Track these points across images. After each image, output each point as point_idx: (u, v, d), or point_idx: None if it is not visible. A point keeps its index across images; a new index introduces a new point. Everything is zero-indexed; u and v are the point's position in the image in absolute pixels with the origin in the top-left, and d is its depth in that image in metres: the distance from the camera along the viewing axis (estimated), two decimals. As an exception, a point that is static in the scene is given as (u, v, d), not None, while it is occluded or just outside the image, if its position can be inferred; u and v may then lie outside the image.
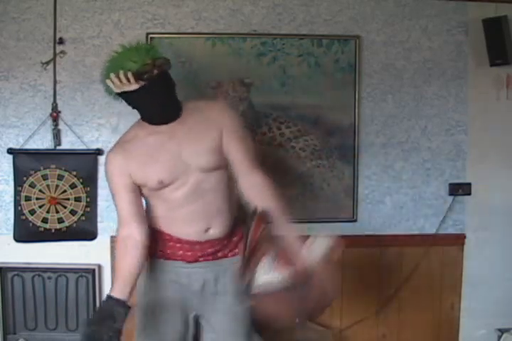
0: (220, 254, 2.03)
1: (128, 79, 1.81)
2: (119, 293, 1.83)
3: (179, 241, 1.99)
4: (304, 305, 1.85)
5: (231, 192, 2.03)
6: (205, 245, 1.99)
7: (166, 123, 1.94)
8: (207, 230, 1.97)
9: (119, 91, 1.86)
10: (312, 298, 1.85)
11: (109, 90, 1.92)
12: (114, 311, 1.80)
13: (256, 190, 1.97)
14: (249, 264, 1.85)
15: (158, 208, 2.00)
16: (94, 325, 1.79)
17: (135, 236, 1.91)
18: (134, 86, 1.83)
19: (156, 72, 1.83)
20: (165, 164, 1.91)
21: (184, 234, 1.98)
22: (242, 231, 2.04)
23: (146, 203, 2.04)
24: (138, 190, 1.96)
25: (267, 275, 1.83)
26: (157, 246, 2.01)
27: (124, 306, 1.82)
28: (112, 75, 1.83)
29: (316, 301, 1.87)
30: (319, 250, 1.92)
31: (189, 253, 2.00)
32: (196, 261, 2.01)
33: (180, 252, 2.00)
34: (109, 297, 1.83)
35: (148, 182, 1.93)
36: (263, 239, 1.86)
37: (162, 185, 1.91)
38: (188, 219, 1.96)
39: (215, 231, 1.99)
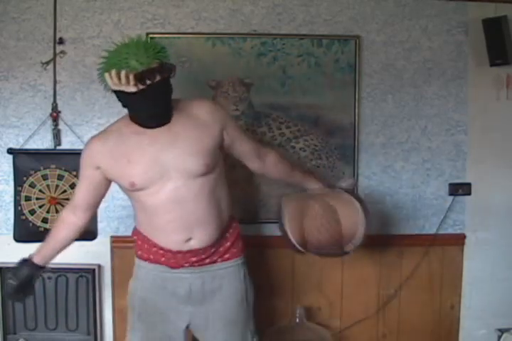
0: (207, 261, 1.98)
1: (128, 80, 1.73)
2: (42, 260, 2.02)
3: (161, 248, 1.95)
4: None
5: (219, 198, 1.95)
6: (187, 254, 1.94)
7: (154, 127, 1.86)
8: (187, 240, 1.91)
9: (115, 88, 1.79)
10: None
11: (105, 82, 1.84)
12: (34, 276, 2.03)
13: (272, 168, 2.15)
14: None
15: (138, 212, 1.98)
16: (20, 292, 2.02)
17: (77, 222, 2.03)
18: (132, 88, 1.75)
19: (158, 78, 1.76)
20: (140, 167, 1.85)
21: (163, 242, 1.93)
22: (237, 235, 2.05)
23: (134, 206, 2.03)
24: (101, 183, 1.96)
25: None
26: (144, 249, 2.01)
27: (40, 270, 2.04)
28: (113, 72, 1.74)
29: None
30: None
31: (172, 261, 1.96)
32: (181, 266, 1.96)
33: (163, 259, 1.96)
34: (31, 263, 2.02)
35: (120, 182, 1.91)
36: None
37: (134, 188, 1.86)
38: (167, 229, 1.90)
39: (197, 241, 1.92)
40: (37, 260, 2.01)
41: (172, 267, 1.97)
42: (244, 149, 2.05)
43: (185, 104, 1.94)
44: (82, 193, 1.99)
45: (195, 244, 1.92)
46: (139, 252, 2.03)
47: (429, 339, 2.89)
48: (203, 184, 1.89)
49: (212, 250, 1.98)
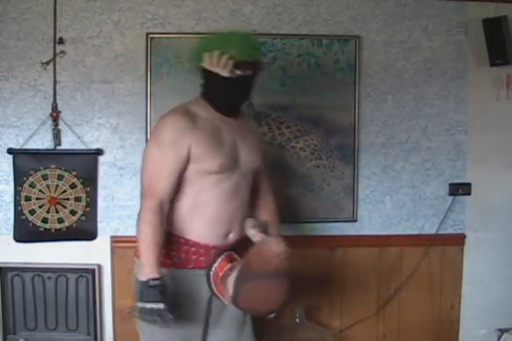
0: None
1: (226, 65, 1.83)
2: (157, 272, 1.79)
3: (196, 244, 1.90)
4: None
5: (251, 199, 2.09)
6: (220, 250, 1.93)
7: (229, 116, 1.97)
8: (227, 234, 1.94)
9: (210, 69, 1.87)
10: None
11: (197, 59, 1.91)
12: (167, 288, 1.80)
13: (266, 207, 2.17)
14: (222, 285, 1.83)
15: (188, 201, 1.89)
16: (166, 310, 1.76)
17: (165, 209, 1.83)
18: (226, 73, 1.85)
19: (250, 72, 1.89)
20: (227, 150, 1.91)
21: (204, 236, 1.90)
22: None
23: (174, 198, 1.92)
24: (185, 166, 1.85)
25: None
26: (168, 253, 1.91)
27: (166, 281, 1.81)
28: (217, 53, 1.84)
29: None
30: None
31: (203, 259, 1.91)
32: (199, 268, 1.92)
33: (194, 257, 1.91)
34: (155, 279, 1.77)
35: (207, 163, 1.85)
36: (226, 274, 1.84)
37: (220, 171, 1.87)
38: (216, 220, 1.91)
39: (234, 236, 1.96)
40: (157, 273, 1.81)
41: (200, 268, 1.91)
42: (260, 176, 2.15)
43: (244, 114, 2.16)
44: (169, 180, 1.83)
45: (231, 238, 1.96)
46: (161, 259, 1.88)
47: (429, 339, 2.89)
48: (251, 180, 2.03)
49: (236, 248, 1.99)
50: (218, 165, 1.86)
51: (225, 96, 1.92)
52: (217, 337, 1.98)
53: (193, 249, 1.91)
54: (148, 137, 2.63)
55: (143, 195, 1.88)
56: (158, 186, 1.82)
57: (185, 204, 1.90)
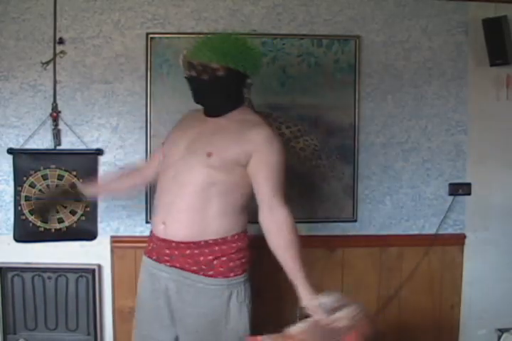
0: (177, 264, 1.90)
1: (182, 63, 1.93)
2: (92, 190, 2.31)
3: (152, 233, 2.01)
4: None
5: (216, 203, 1.89)
6: (163, 243, 1.92)
7: (207, 115, 2.00)
8: (162, 223, 1.91)
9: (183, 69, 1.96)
10: None
11: None
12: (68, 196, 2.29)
13: (275, 229, 1.85)
14: None
15: (157, 191, 2.05)
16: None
17: (144, 175, 2.24)
18: (186, 72, 1.94)
19: (193, 73, 1.90)
20: (181, 138, 1.99)
21: (152, 224, 2.03)
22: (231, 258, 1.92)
23: None
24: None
25: None
26: (148, 242, 2.05)
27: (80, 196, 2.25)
28: (183, 52, 1.94)
29: None
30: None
31: (156, 249, 1.97)
32: (160, 261, 1.94)
33: (151, 246, 2.01)
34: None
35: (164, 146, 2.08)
36: None
37: (163, 157, 2.04)
38: (157, 209, 1.99)
39: (169, 228, 1.89)
40: (87, 190, 2.27)
41: (155, 260, 1.96)
42: (262, 185, 1.89)
43: (246, 118, 1.96)
44: (158, 157, 2.15)
45: (168, 231, 1.90)
46: (145, 249, 2.08)
47: (429, 339, 2.89)
48: (204, 178, 1.87)
49: (187, 252, 1.89)
50: (163, 152, 2.04)
51: (193, 93, 2.00)
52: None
53: (153, 238, 2.01)
54: (149, 137, 2.64)
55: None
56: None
57: (157, 192, 2.05)
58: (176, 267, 1.91)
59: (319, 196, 2.77)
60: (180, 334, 1.95)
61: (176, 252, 1.90)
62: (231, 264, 1.91)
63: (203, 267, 1.89)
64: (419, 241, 2.84)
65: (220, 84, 1.91)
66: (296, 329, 1.75)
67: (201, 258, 1.89)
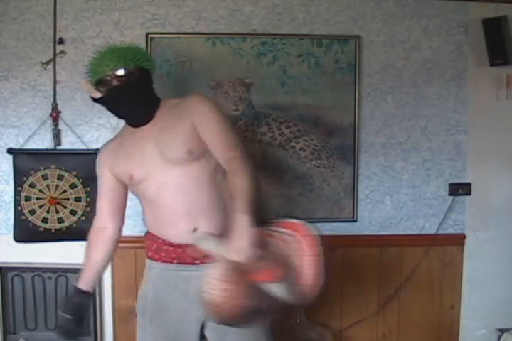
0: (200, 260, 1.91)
1: (89, 89, 1.88)
2: (86, 285, 1.97)
3: (171, 244, 1.93)
4: None
5: (221, 189, 1.91)
6: (196, 248, 1.88)
7: (138, 125, 1.94)
8: (194, 230, 1.89)
9: (91, 96, 1.91)
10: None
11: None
12: (85, 305, 1.98)
13: (230, 177, 1.81)
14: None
15: (145, 209, 2.00)
16: (72, 323, 1.91)
17: (108, 230, 2.02)
18: (96, 94, 1.88)
19: (115, 83, 1.85)
20: (136, 159, 1.90)
21: (173, 236, 1.92)
22: None
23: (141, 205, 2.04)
24: (120, 186, 2.00)
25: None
26: (155, 249, 1.98)
27: (89, 297, 2.00)
28: (83, 80, 1.91)
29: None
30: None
31: (183, 256, 1.93)
32: (193, 263, 1.93)
33: (174, 255, 1.94)
34: (78, 290, 1.96)
35: (122, 177, 1.95)
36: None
37: (134, 181, 1.91)
38: (172, 220, 1.90)
39: (205, 230, 1.89)
40: (83, 287, 1.97)
41: (184, 263, 1.93)
42: (212, 143, 1.88)
43: (178, 100, 1.98)
44: (107, 199, 2.03)
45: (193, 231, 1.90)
46: (150, 253, 2.00)
47: (429, 339, 2.89)
48: (197, 170, 1.88)
49: None
50: (129, 177, 1.92)
51: (115, 112, 1.96)
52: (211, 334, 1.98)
53: (171, 248, 1.95)
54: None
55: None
56: (98, 206, 2.05)
57: (146, 213, 2.02)
58: (204, 263, 1.89)
59: (319, 196, 2.77)
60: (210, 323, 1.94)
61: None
62: None
63: None
64: (419, 241, 2.84)
65: (134, 87, 1.90)
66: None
67: None
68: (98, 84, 1.87)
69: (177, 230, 1.91)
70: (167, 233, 1.94)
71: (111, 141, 2.04)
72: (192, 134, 1.88)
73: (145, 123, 1.94)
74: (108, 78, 1.86)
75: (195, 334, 1.95)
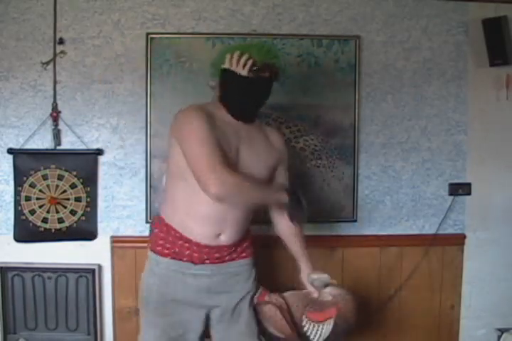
0: (227, 258, 2.03)
1: (244, 64, 1.89)
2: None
3: (188, 241, 1.96)
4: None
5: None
6: (213, 250, 1.98)
7: (240, 120, 1.99)
8: (218, 235, 1.97)
9: (230, 68, 1.92)
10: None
11: (218, 63, 1.99)
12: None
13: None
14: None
15: (183, 199, 1.95)
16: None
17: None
18: (244, 72, 1.90)
19: (267, 74, 1.94)
20: (229, 147, 1.90)
21: (195, 234, 1.96)
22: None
23: (170, 194, 2.00)
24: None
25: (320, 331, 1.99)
26: (166, 243, 1.99)
27: None
28: (237, 53, 1.91)
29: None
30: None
31: (196, 255, 1.98)
32: (202, 263, 1.99)
33: (188, 252, 1.97)
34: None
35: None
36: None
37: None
38: (205, 220, 1.94)
39: (226, 238, 1.98)
40: None
41: (194, 263, 1.98)
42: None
43: (262, 124, 2.16)
44: (218, 147, 1.85)
45: (224, 240, 1.99)
46: (159, 248, 2.00)
47: (429, 339, 2.89)
48: None
49: (233, 248, 2.03)
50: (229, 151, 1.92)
51: (242, 96, 1.95)
52: (221, 333, 2.04)
53: (187, 244, 1.97)
54: (149, 137, 2.64)
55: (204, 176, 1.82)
56: (216, 155, 1.82)
57: (182, 203, 1.96)
58: (215, 263, 2.01)
59: (319, 196, 2.77)
60: (225, 317, 2.04)
61: (225, 253, 2.02)
62: (253, 245, 2.14)
63: (240, 253, 2.07)
64: (419, 241, 2.84)
65: (270, 85, 2.01)
66: (289, 293, 2.09)
67: (239, 249, 2.07)
68: (253, 65, 1.90)
69: (203, 231, 1.96)
70: (192, 231, 1.96)
71: (202, 109, 1.91)
72: (273, 168, 2.11)
73: (244, 121, 2.00)
74: (266, 67, 1.93)
75: (200, 320, 2.01)
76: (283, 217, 2.05)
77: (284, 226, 2.12)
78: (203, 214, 1.94)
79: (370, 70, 2.77)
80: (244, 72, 1.90)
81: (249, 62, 1.90)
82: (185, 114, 1.92)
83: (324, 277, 2.06)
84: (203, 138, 1.83)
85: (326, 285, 2.05)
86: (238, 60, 1.91)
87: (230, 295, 2.03)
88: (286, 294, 2.09)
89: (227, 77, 1.95)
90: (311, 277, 2.08)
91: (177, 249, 1.97)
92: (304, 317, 2.01)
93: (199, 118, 1.87)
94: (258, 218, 2.11)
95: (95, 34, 2.62)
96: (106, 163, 2.66)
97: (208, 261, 1.99)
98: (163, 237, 2.00)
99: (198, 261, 1.98)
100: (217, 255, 2.00)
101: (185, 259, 1.98)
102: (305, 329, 2.00)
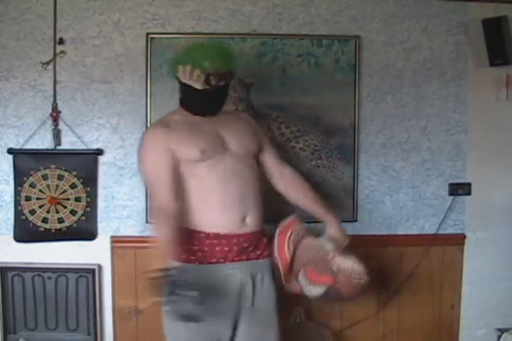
0: (252, 255, 2.03)
1: (198, 78, 1.95)
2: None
3: (216, 236, 1.96)
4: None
5: (260, 185, 2.10)
6: (241, 238, 1.99)
7: (205, 116, 2.07)
8: (243, 219, 1.99)
9: (184, 81, 1.99)
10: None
11: (174, 70, 2.05)
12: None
13: (289, 179, 2.21)
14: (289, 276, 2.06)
15: (194, 193, 1.98)
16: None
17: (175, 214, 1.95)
18: (197, 86, 1.97)
19: (223, 83, 1.99)
20: (205, 136, 2.00)
21: (221, 224, 1.97)
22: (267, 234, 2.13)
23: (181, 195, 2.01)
24: (176, 166, 1.98)
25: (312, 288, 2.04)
26: (191, 249, 1.97)
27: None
28: (188, 67, 1.95)
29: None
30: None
31: (227, 249, 1.97)
32: (232, 260, 1.99)
33: (218, 248, 1.96)
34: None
35: (190, 153, 1.96)
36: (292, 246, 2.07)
37: (204, 156, 1.96)
38: (226, 204, 1.96)
39: (252, 220, 2.00)
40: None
41: (223, 261, 1.97)
42: (269, 155, 2.20)
43: (225, 112, 2.20)
44: (170, 181, 1.95)
45: (250, 223, 2.00)
46: (184, 256, 1.95)
47: (429, 339, 2.89)
48: (254, 164, 2.10)
49: (257, 239, 2.05)
50: (199, 151, 1.96)
51: (200, 106, 2.05)
52: (245, 334, 2.02)
53: (215, 241, 1.97)
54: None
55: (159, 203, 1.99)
56: (163, 190, 1.96)
57: (193, 197, 1.98)
58: (243, 260, 2.01)
59: (319, 196, 2.76)
60: (244, 319, 2.02)
61: (253, 241, 2.03)
62: (267, 242, 2.12)
63: (263, 250, 2.08)
64: (419, 241, 2.84)
65: (228, 89, 2.09)
66: (310, 239, 2.15)
67: (260, 244, 2.08)
68: (207, 79, 1.94)
69: (229, 217, 1.98)
70: (217, 220, 1.98)
71: (159, 126, 2.04)
72: (257, 139, 2.19)
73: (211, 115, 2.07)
74: (220, 77, 1.96)
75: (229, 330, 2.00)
76: (288, 185, 2.21)
77: (288, 180, 2.22)
78: (216, 199, 1.96)
79: (370, 70, 2.77)
80: (198, 86, 1.97)
81: (202, 77, 1.95)
82: (145, 138, 2.05)
83: (329, 245, 2.13)
84: (154, 172, 1.98)
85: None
86: (191, 75, 1.96)
87: (258, 299, 2.02)
88: (307, 240, 2.14)
89: (182, 87, 2.04)
90: (322, 240, 2.16)
91: (206, 248, 1.97)
92: (302, 269, 2.05)
93: (154, 144, 1.98)
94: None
95: (95, 34, 2.62)
96: (106, 163, 2.66)
97: (236, 258, 1.99)
98: (188, 249, 1.97)
99: (229, 257, 1.97)
100: (245, 244, 2.00)
101: (214, 261, 1.97)
102: (299, 278, 2.06)
